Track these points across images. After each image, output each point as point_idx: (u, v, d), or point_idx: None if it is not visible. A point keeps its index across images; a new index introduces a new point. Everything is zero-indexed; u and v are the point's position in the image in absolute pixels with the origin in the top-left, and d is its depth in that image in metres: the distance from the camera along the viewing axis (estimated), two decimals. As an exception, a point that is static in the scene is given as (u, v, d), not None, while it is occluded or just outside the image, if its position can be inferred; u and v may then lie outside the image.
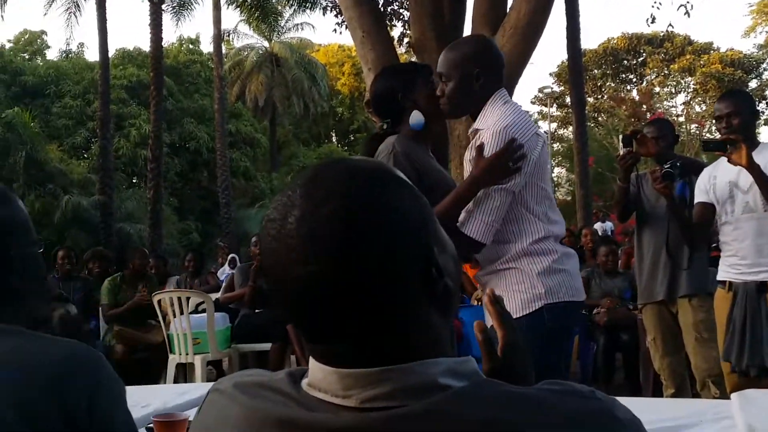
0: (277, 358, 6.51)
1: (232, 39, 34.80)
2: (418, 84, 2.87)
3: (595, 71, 40.03)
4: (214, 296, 7.19)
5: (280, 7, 28.66)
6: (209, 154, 27.89)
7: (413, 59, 8.78)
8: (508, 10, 7.99)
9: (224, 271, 9.71)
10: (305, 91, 33.85)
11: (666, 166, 4.05)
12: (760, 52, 38.12)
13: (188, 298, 6.55)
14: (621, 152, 4.44)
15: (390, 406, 0.87)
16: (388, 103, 2.94)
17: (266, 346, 6.60)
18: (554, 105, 41.24)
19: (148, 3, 19.94)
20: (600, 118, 40.00)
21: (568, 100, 31.28)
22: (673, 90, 40.72)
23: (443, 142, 7.74)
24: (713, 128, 37.72)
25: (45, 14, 41.15)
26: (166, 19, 22.21)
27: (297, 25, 34.30)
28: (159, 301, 6.53)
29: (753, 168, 3.57)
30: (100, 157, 20.15)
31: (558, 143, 42.08)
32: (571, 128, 28.53)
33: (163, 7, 20.91)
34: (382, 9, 11.82)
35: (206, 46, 34.93)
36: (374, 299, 0.88)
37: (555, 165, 41.65)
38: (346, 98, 39.79)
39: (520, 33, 7.64)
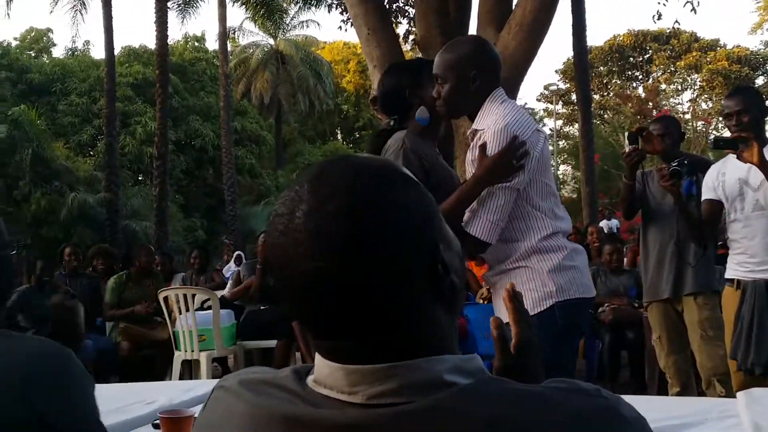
0: (282, 355, 6.51)
1: (238, 36, 34.94)
2: (425, 80, 2.86)
3: (601, 68, 40.01)
4: (220, 293, 7.19)
5: (285, 5, 28.73)
6: (215, 152, 27.95)
7: (419, 56, 8.77)
8: (513, 7, 7.98)
9: (230, 268, 9.70)
10: (310, 89, 33.88)
11: (674, 164, 4.03)
12: (767, 49, 38.03)
13: (194, 295, 6.56)
14: (627, 149, 4.44)
15: (396, 403, 0.87)
16: (395, 99, 2.94)
17: (271, 343, 6.60)
18: (560, 102, 41.26)
19: (154, 0, 19.97)
20: (606, 116, 39.98)
21: (573, 97, 31.21)
22: (679, 87, 40.69)
23: (448, 140, 7.74)
24: (720, 125, 37.75)
25: (51, 12, 41.37)
26: (172, 16, 22.32)
27: (302, 22, 34.41)
28: (165, 298, 6.54)
29: (764, 166, 3.55)
30: (106, 154, 20.21)
31: (564, 140, 42.09)
32: (576, 125, 28.49)
33: (169, 4, 20.95)
34: (387, 6, 11.81)
35: (212, 44, 35.01)
36: (380, 296, 0.88)
37: (561, 162, 41.65)
38: (352, 96, 39.80)
39: (526, 30, 7.64)
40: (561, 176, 40.80)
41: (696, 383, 4.64)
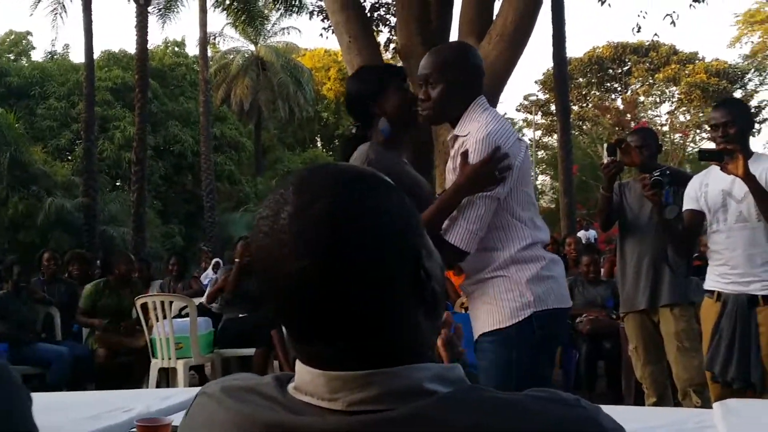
0: (260, 363, 6.49)
1: (218, 42, 34.88)
2: (389, 92, 2.82)
3: (580, 80, 40.21)
4: (198, 300, 7.16)
5: (266, 11, 28.67)
6: (194, 158, 27.80)
7: (399, 65, 8.80)
8: (494, 17, 8.02)
9: (207, 275, 9.68)
10: (291, 96, 33.85)
11: (655, 174, 4.04)
12: (746, 63, 38.37)
13: (171, 303, 6.52)
14: (605, 161, 4.46)
15: (377, 410, 0.87)
16: (357, 107, 2.92)
17: (249, 351, 6.57)
18: (539, 113, 41.41)
19: (134, 5, 19.89)
20: (584, 127, 40.19)
21: (553, 107, 31.39)
22: (657, 99, 40.93)
23: (428, 147, 7.76)
24: (697, 138, 38.09)
25: (31, 15, 41.11)
26: (152, 21, 22.16)
27: (283, 29, 34.46)
28: (143, 305, 6.50)
29: (750, 178, 3.56)
30: (84, 159, 20.07)
31: (542, 151, 42.23)
32: (555, 136, 28.60)
33: (150, 9, 20.83)
34: (368, 14, 11.84)
35: (192, 49, 34.81)
36: (363, 301, 0.88)
37: (539, 173, 41.81)
38: (332, 103, 39.76)
39: (507, 40, 7.68)
40: (539, 186, 40.95)
41: (672, 394, 4.67)
